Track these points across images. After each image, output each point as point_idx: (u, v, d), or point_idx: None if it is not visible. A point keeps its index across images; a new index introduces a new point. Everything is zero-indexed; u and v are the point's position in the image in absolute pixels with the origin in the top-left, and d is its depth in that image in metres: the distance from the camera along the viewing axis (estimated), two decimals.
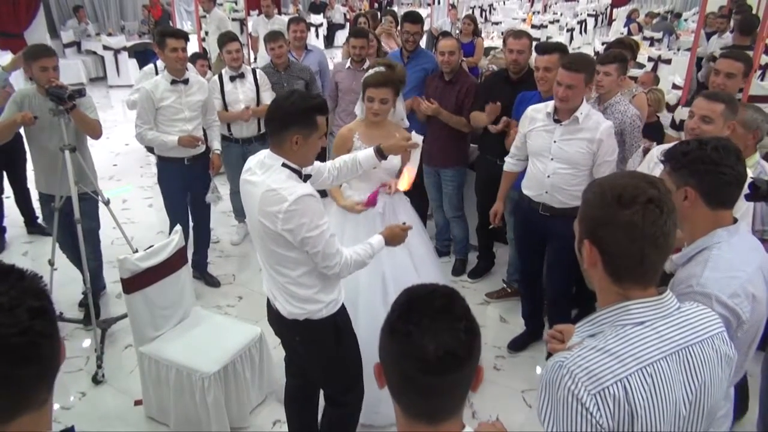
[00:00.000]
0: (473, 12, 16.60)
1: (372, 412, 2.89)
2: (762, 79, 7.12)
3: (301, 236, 2.04)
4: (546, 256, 3.32)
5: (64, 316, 3.76)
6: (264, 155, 2.15)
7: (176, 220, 3.92)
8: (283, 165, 2.10)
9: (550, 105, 3.04)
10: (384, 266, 2.98)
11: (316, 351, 2.36)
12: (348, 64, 4.58)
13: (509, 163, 3.36)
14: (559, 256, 3.19)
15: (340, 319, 2.36)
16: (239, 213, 4.92)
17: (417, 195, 4.71)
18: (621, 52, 3.53)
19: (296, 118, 2.07)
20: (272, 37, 4.62)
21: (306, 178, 2.18)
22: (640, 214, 1.16)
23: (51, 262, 3.51)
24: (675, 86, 6.65)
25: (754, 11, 7.50)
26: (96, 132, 3.56)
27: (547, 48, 3.42)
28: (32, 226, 5.02)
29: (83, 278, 3.76)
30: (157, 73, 4.57)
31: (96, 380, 3.26)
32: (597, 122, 2.93)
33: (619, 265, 1.21)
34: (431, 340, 0.98)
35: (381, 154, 2.58)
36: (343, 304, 2.39)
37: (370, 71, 2.93)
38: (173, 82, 3.77)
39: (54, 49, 3.55)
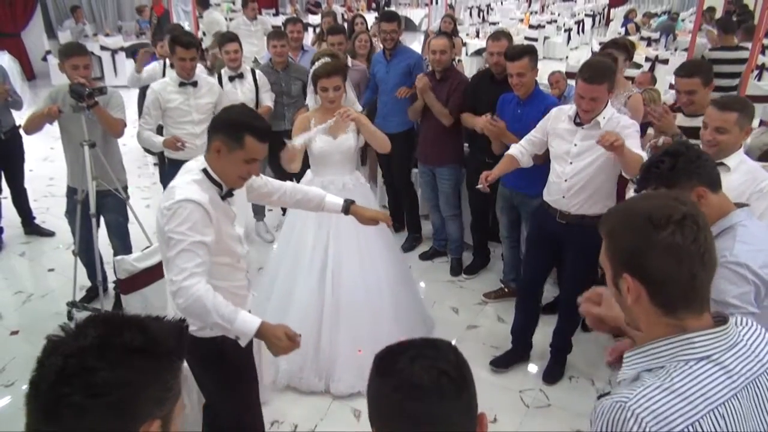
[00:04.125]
0: (471, 12, 16.64)
1: (296, 378, 3.16)
2: (759, 80, 7.15)
3: (167, 235, 1.93)
4: (564, 264, 3.26)
5: (88, 306, 3.83)
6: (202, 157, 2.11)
7: None
8: (203, 170, 2.04)
9: (574, 108, 2.98)
10: (328, 256, 3.19)
11: (201, 371, 2.24)
12: None
13: (516, 148, 3.21)
14: (575, 266, 3.14)
15: (231, 350, 2.11)
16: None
17: (408, 194, 4.75)
18: (611, 53, 3.53)
19: (224, 127, 2.01)
20: (276, 35, 4.65)
21: (227, 194, 2.11)
22: (679, 233, 1.08)
23: (75, 253, 3.71)
24: (672, 86, 6.67)
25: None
26: (115, 130, 3.62)
27: (515, 54, 3.39)
28: (29, 227, 5.01)
29: (87, 274, 3.78)
30: (164, 74, 4.65)
31: None
32: (617, 122, 2.87)
33: (669, 292, 1.11)
34: (420, 365, 0.98)
35: (347, 212, 2.55)
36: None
37: (317, 64, 3.07)
38: (181, 84, 3.79)
39: (86, 47, 3.65)
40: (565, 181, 2.99)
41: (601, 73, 2.79)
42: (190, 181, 1.99)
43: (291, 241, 3.33)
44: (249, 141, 1.98)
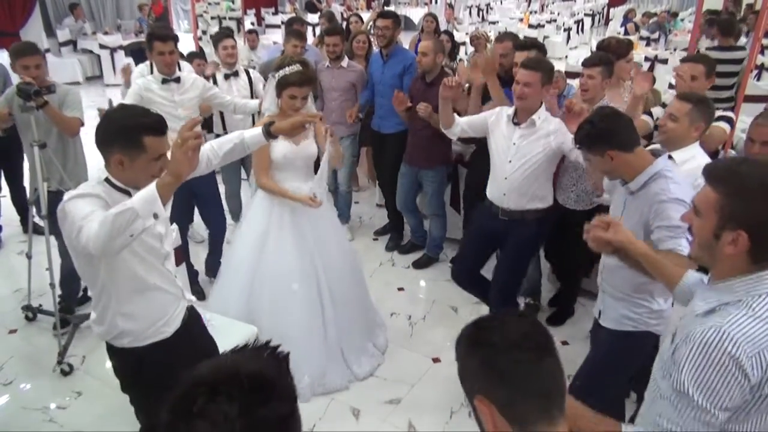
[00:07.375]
0: (470, 11, 16.63)
1: (320, 385, 3.20)
2: (758, 80, 7.15)
3: (71, 237, 1.78)
4: (500, 256, 3.40)
5: (44, 310, 3.79)
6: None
7: (175, 220, 3.86)
8: (106, 180, 1.90)
9: (512, 109, 3.13)
10: (316, 259, 3.21)
11: (122, 379, 2.18)
12: (327, 63, 4.63)
13: (459, 119, 3.32)
14: (511, 257, 3.29)
15: (151, 360, 2.05)
16: (236, 215, 4.93)
17: (392, 194, 4.69)
18: (606, 55, 3.55)
19: (118, 137, 1.84)
20: (297, 35, 4.70)
21: None
22: None
23: (28, 255, 3.63)
24: (671, 86, 6.67)
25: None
26: (69, 129, 3.53)
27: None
28: (28, 225, 5.00)
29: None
30: (152, 71, 4.56)
31: (63, 372, 3.24)
32: (551, 121, 3.04)
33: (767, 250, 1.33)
34: (510, 327, 1.09)
35: (269, 134, 2.38)
36: (173, 348, 2.09)
37: (288, 69, 2.97)
38: (164, 81, 3.69)
39: (39, 47, 3.56)
40: (505, 179, 3.13)
41: (536, 62, 3.04)
42: (82, 190, 1.85)
43: (267, 249, 3.20)
44: (148, 140, 1.84)
